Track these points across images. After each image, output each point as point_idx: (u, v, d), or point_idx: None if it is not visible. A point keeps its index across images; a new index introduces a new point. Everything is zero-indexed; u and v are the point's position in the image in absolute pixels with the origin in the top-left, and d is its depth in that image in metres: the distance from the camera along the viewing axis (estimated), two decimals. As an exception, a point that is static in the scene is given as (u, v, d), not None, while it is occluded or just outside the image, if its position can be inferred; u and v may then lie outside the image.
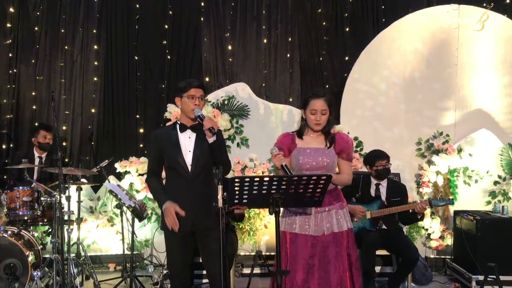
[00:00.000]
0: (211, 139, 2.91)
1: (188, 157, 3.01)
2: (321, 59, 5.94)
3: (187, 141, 3.04)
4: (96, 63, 5.92)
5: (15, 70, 5.84)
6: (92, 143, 5.73)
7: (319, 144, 3.05)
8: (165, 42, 5.92)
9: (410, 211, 4.17)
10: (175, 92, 3.10)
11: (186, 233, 3.03)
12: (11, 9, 5.84)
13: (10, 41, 5.84)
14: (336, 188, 3.07)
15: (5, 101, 5.82)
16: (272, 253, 5.31)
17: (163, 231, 3.18)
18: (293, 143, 3.07)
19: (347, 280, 2.93)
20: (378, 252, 4.28)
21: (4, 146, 5.80)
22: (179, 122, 3.09)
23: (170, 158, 3.03)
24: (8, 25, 5.84)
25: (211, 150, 2.99)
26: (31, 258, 4.08)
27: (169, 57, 5.91)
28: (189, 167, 2.99)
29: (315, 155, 2.99)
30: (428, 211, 5.21)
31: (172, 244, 3.08)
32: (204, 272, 4.32)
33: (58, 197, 3.98)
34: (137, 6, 5.90)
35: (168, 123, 4.87)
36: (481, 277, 4.36)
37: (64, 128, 5.85)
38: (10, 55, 5.85)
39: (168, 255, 3.14)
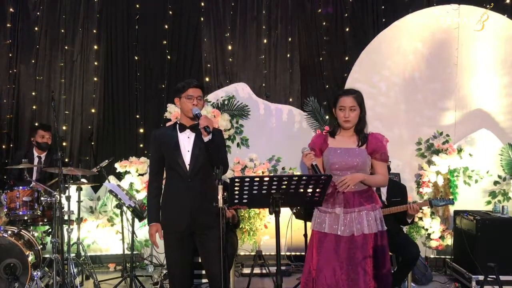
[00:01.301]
0: (206, 138, 2.91)
1: (186, 157, 3.01)
2: (321, 59, 5.94)
3: (186, 141, 3.04)
4: (96, 63, 5.92)
5: (15, 70, 5.85)
6: (92, 143, 5.74)
7: (351, 144, 3.03)
8: (165, 42, 5.92)
9: (408, 211, 4.17)
10: (174, 92, 3.10)
11: (184, 233, 3.04)
12: (11, 9, 5.84)
13: (10, 41, 5.85)
14: (369, 189, 3.01)
15: (5, 101, 5.83)
16: (272, 253, 5.31)
17: (162, 231, 3.18)
18: (325, 143, 3.07)
19: (371, 281, 2.91)
20: (378, 252, 4.27)
21: (4, 146, 5.80)
22: (179, 122, 3.10)
23: (170, 158, 3.04)
24: (8, 25, 5.85)
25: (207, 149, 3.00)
26: (31, 258, 4.08)
27: (169, 57, 5.92)
28: (188, 167, 3.00)
29: (345, 155, 2.98)
30: (428, 211, 5.21)
31: (170, 244, 3.08)
32: (204, 272, 4.32)
33: (58, 197, 3.98)
34: (137, 6, 5.91)
35: (168, 123, 4.87)
36: (481, 277, 4.36)
37: (64, 128, 5.86)
38: (10, 55, 5.85)
39: (166, 255, 3.14)
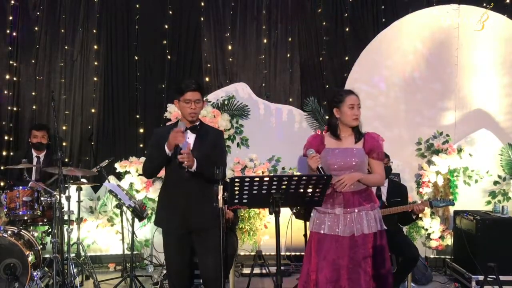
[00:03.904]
0: (191, 169, 2.93)
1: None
2: (321, 59, 5.93)
3: (185, 142, 3.04)
4: (96, 63, 5.92)
5: (15, 70, 5.84)
6: (92, 143, 5.73)
7: (348, 144, 3.04)
8: (165, 42, 5.92)
9: (410, 210, 4.17)
10: (174, 93, 3.10)
11: (181, 232, 3.04)
12: (11, 9, 5.83)
13: (10, 41, 5.84)
14: (367, 189, 3.02)
15: (5, 101, 5.81)
16: (272, 253, 5.31)
17: (161, 229, 3.20)
18: (322, 144, 3.07)
19: (371, 282, 2.90)
20: (378, 252, 4.27)
21: (4, 146, 5.79)
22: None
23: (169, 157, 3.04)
24: (8, 25, 5.84)
25: (209, 151, 3.01)
26: (31, 258, 4.08)
27: (169, 57, 5.91)
28: (186, 168, 3.00)
29: (343, 155, 2.99)
30: (428, 211, 5.21)
31: (169, 243, 3.10)
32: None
33: (58, 197, 3.97)
34: (137, 6, 5.90)
35: (168, 123, 4.86)
36: (481, 277, 4.36)
37: (64, 128, 5.85)
38: (10, 55, 5.84)
39: (165, 254, 3.15)
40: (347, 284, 2.87)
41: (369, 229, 2.93)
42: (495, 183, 5.43)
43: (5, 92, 5.81)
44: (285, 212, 4.58)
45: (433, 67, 5.64)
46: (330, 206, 2.95)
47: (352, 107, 2.99)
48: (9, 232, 4.10)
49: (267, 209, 2.65)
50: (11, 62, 5.85)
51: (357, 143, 3.02)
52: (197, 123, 3.07)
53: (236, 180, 2.43)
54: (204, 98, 3.19)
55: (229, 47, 5.94)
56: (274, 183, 2.46)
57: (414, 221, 4.34)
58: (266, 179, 2.45)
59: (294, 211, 4.54)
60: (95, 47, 5.92)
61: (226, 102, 5.55)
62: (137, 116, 5.91)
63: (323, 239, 2.95)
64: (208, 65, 5.94)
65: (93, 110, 5.90)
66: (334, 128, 3.08)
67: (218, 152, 3.10)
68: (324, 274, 2.88)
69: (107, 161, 5.01)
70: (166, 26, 5.92)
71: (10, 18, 5.85)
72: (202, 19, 5.94)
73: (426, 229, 5.30)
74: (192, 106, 2.99)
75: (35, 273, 3.99)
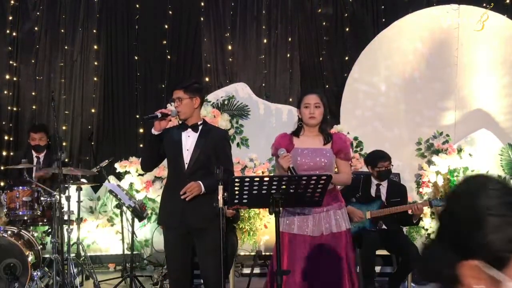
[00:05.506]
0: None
1: (185, 156, 3.03)
2: (321, 59, 5.94)
3: (186, 140, 3.06)
4: (96, 63, 5.92)
5: (15, 70, 5.84)
6: (92, 143, 5.72)
7: (316, 144, 3.05)
8: (165, 42, 5.92)
9: (410, 212, 4.17)
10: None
11: (180, 230, 3.05)
12: (11, 9, 5.84)
13: (10, 41, 5.84)
14: (335, 188, 3.06)
15: (5, 101, 5.82)
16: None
17: (162, 229, 3.21)
18: (291, 143, 3.07)
19: (346, 280, 2.93)
20: (378, 252, 4.27)
21: (4, 146, 5.80)
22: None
23: (170, 155, 3.08)
24: (8, 25, 5.84)
25: (210, 151, 3.02)
26: (31, 258, 4.07)
27: (169, 57, 5.91)
28: (186, 166, 3.01)
29: (312, 155, 3.00)
30: (428, 211, 5.21)
31: (169, 241, 3.11)
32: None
33: (58, 197, 3.97)
34: (137, 6, 5.90)
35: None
36: (481, 277, 4.35)
37: (64, 128, 5.85)
38: (10, 55, 5.85)
39: (166, 253, 3.17)
40: (318, 284, 2.89)
41: (337, 227, 2.96)
42: (495, 183, 5.42)
43: (5, 92, 5.81)
44: (285, 212, 4.58)
45: (433, 67, 5.64)
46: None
47: (307, 106, 3.01)
48: (9, 232, 4.09)
49: (267, 209, 2.66)
50: (11, 62, 5.85)
51: (326, 145, 3.04)
52: (200, 122, 3.09)
53: (236, 180, 2.43)
54: (194, 96, 3.09)
55: (229, 47, 5.94)
56: (274, 183, 2.46)
57: (413, 224, 4.34)
58: (266, 179, 2.45)
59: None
60: (95, 47, 5.92)
61: (226, 102, 5.55)
62: (137, 116, 5.91)
63: (293, 239, 2.97)
64: (208, 65, 5.94)
65: (93, 110, 5.90)
66: (298, 128, 3.12)
67: (223, 160, 3.07)
68: (293, 276, 2.89)
69: (107, 161, 5.00)
70: (166, 26, 5.92)
71: (10, 18, 5.85)
72: (202, 19, 5.94)
73: (426, 229, 5.30)
74: (176, 104, 3.03)
75: (35, 273, 3.98)
